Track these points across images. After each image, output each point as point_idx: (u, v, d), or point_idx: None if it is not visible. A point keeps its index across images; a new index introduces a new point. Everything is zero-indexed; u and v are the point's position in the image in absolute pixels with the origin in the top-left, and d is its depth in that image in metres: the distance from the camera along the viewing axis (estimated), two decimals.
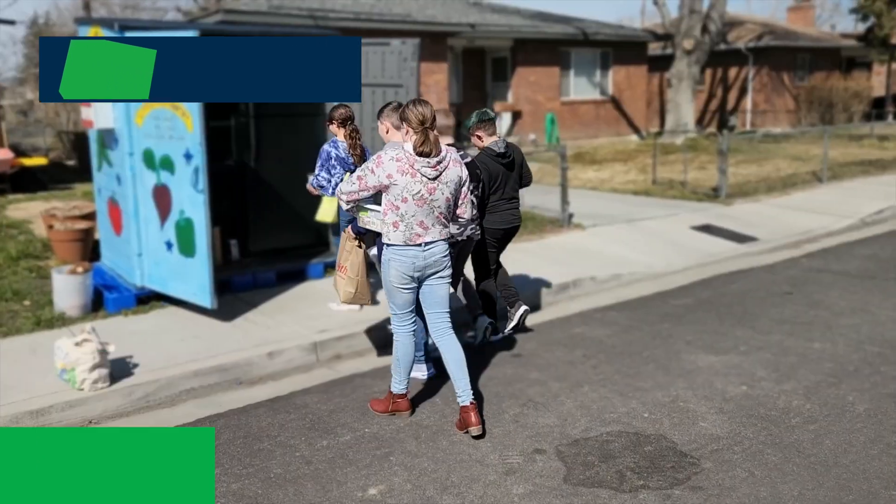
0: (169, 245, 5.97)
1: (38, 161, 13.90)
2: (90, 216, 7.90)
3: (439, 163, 3.91)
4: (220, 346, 5.44)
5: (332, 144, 5.66)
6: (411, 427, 4.28)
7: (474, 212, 4.28)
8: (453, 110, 19.38)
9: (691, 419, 4.26)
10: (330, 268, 7.07)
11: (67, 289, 5.98)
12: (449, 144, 4.33)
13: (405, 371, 4.34)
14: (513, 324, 5.47)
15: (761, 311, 6.34)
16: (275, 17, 15.12)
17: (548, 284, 7.10)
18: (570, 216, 9.71)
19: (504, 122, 20.75)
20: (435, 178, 3.91)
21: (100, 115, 6.10)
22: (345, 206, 4.20)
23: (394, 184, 3.88)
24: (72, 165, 17.25)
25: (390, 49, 6.66)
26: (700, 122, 25.15)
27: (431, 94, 17.56)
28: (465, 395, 4.14)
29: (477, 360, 5.34)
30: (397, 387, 4.37)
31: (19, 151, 18.49)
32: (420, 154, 3.86)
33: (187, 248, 5.81)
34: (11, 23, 31.94)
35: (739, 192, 11.91)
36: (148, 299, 6.32)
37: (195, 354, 5.28)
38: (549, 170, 15.04)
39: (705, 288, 7.19)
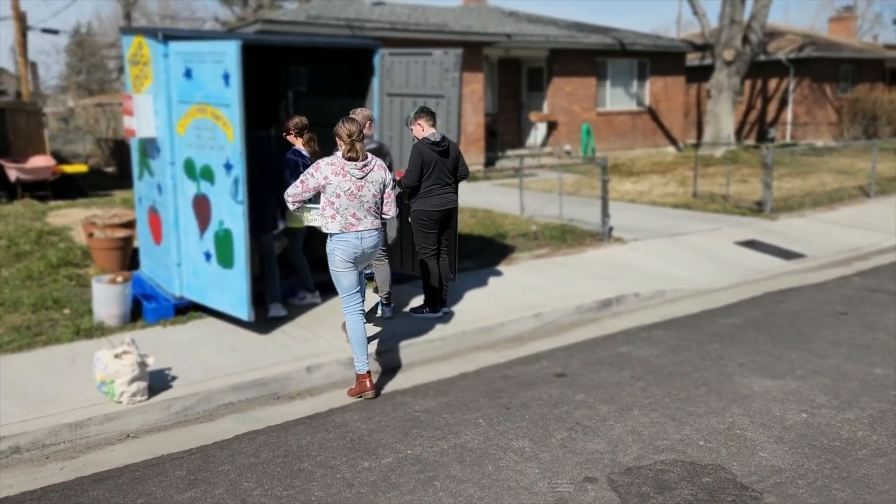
0: (207, 256, 5.91)
1: (78, 168, 14.08)
2: (130, 224, 7.91)
3: (365, 166, 4.87)
4: (258, 360, 5.35)
5: (294, 154, 6.06)
6: (455, 450, 4.13)
7: (396, 212, 5.18)
8: (488, 120, 19.26)
9: (750, 448, 4.05)
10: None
11: (107, 298, 5.96)
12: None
13: (360, 348, 4.96)
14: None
15: (815, 333, 6.08)
16: (313, 26, 15.16)
17: (589, 300, 6.92)
18: (611, 229, 9.50)
19: (539, 132, 20.58)
20: (362, 178, 4.85)
21: (142, 124, 6.08)
22: (291, 208, 4.99)
23: (329, 183, 4.81)
24: (111, 172, 17.48)
25: (432, 59, 6.55)
26: (739, 133, 24.70)
27: (467, 104, 17.47)
28: (363, 365, 4.94)
29: (519, 378, 5.18)
30: (357, 365, 4.96)
31: (60, 158, 18.82)
32: (348, 160, 4.82)
33: (226, 259, 5.75)
34: (55, 32, 32.55)
35: (784, 207, 11.58)
36: (186, 309, 6.28)
37: (233, 367, 5.20)
38: (585, 181, 14.84)
39: (754, 306, 6.94)
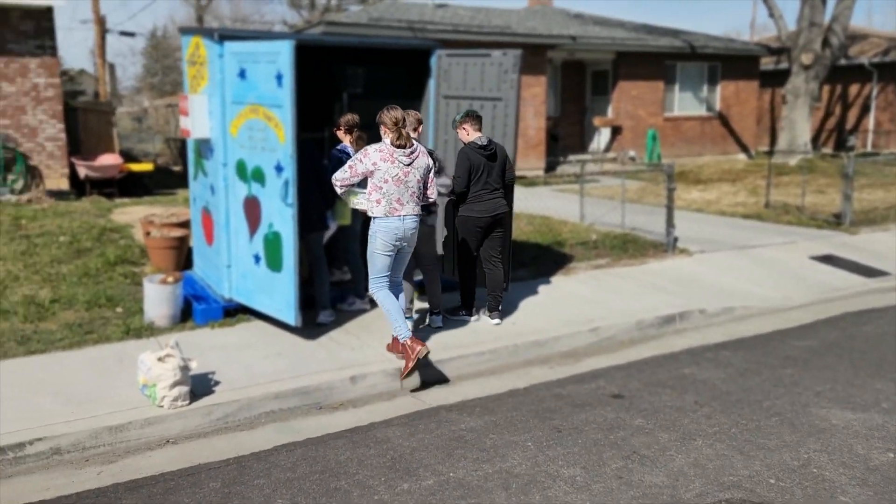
0: (257, 258, 5.83)
1: (144, 167, 14.40)
2: (186, 224, 7.93)
3: (412, 153, 5.10)
4: (303, 367, 5.22)
5: (339, 151, 6.08)
6: (500, 475, 3.88)
7: (441, 190, 5.57)
8: (550, 124, 18.90)
9: (829, 491, 3.67)
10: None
11: (157, 298, 5.93)
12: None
13: (399, 316, 5.17)
14: (494, 321, 6.19)
15: None
16: (375, 28, 15.13)
17: (651, 315, 6.55)
18: (675, 240, 9.07)
19: (603, 137, 20.08)
20: (409, 164, 5.06)
21: (197, 125, 6.05)
22: (339, 191, 5.20)
23: (378, 169, 5.03)
24: (177, 171, 17.87)
25: (490, 60, 6.32)
26: (815, 141, 23.57)
27: (528, 108, 17.16)
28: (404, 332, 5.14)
29: (572, 398, 4.89)
30: (400, 331, 5.11)
31: (131, 157, 19.38)
32: (397, 146, 5.02)
33: (274, 263, 5.64)
34: (132, 35, 33.67)
35: (865, 220, 10.88)
36: (235, 312, 6.21)
37: (277, 374, 5.08)
38: (650, 188, 14.34)
39: (832, 328, 6.44)
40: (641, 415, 4.61)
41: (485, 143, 5.86)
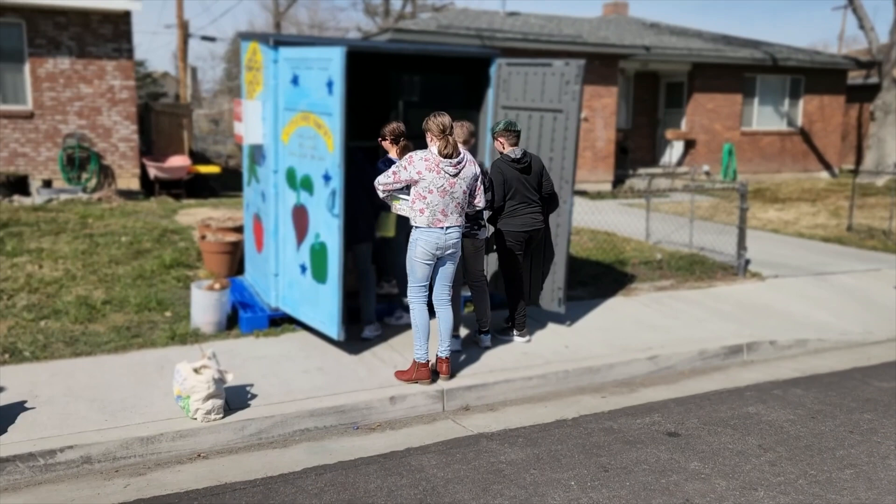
0: (303, 268, 5.70)
1: (211, 169, 14.65)
2: (241, 229, 7.93)
3: (459, 163, 4.87)
4: (342, 383, 5.04)
5: (385, 163, 5.79)
6: None
7: (488, 197, 5.38)
8: (620, 136, 18.37)
9: None
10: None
11: (203, 305, 5.89)
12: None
13: (424, 336, 5.02)
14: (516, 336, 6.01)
15: None
16: (443, 36, 15.01)
17: (715, 344, 6.12)
18: (747, 263, 8.55)
19: (675, 150, 19.41)
20: (455, 175, 4.86)
21: (250, 131, 5.98)
22: (381, 195, 5.03)
23: (422, 178, 4.82)
24: None
25: (552, 70, 6.03)
26: None
27: (598, 119, 16.71)
28: (444, 351, 5.12)
29: (624, 433, 4.55)
30: (418, 353, 5.03)
31: (205, 158, 19.83)
32: (444, 156, 4.80)
33: (320, 274, 5.51)
34: (212, 40, 34.57)
35: None
36: (281, 321, 6.11)
37: (315, 390, 4.92)
38: (723, 206, 13.71)
39: None
40: (698, 457, 4.24)
41: (518, 157, 5.69)
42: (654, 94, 20.09)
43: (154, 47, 54.68)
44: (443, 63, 6.88)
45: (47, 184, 12.49)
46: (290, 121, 5.67)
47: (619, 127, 18.55)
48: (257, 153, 6.28)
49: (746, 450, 4.35)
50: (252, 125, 5.98)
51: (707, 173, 18.67)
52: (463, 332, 6.04)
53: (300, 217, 5.69)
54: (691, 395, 5.30)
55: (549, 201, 6.02)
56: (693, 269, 8.52)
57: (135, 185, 13.36)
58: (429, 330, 5.10)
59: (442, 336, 5.15)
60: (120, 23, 12.88)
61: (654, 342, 6.13)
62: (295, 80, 5.55)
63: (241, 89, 6.60)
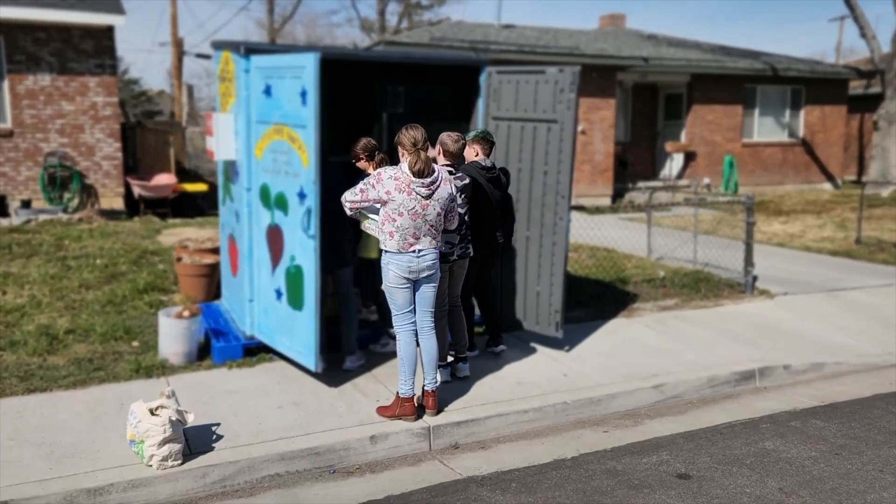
0: (278, 293, 5.27)
1: (198, 187, 14.25)
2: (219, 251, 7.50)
3: (432, 182, 4.39)
4: (318, 421, 4.59)
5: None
6: None
7: (458, 223, 4.76)
8: (619, 150, 18.00)
9: None
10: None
11: (172, 334, 5.44)
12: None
13: (410, 370, 4.58)
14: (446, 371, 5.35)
15: None
16: (436, 48, 14.67)
17: (725, 370, 5.67)
18: (754, 279, 8.11)
19: (675, 163, 19.03)
20: (428, 196, 4.39)
21: (221, 146, 5.57)
22: (348, 212, 4.62)
23: (391, 199, 4.37)
24: None
25: (545, 78, 5.63)
26: None
27: (596, 132, 16.34)
28: (431, 384, 4.67)
29: (629, 476, 4.09)
30: (403, 388, 4.59)
31: (198, 176, 19.42)
32: (415, 173, 4.33)
33: (295, 300, 5.07)
34: (207, 57, 34.60)
35: None
36: (257, 350, 5.67)
37: (288, 429, 4.47)
38: (726, 219, 13.28)
39: None
40: None
41: (488, 165, 5.38)
42: (653, 106, 19.75)
43: (149, 65, 54.59)
44: (431, 73, 6.48)
45: (26, 204, 12.08)
46: (262, 134, 5.26)
47: (618, 140, 18.17)
48: (230, 170, 5.87)
49: (766, 494, 3.89)
50: (224, 140, 5.57)
51: (708, 186, 18.27)
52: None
53: (275, 238, 5.26)
54: (701, 428, 4.85)
55: (509, 217, 5.81)
56: (698, 286, 8.09)
57: (119, 204, 12.96)
58: (416, 361, 4.66)
59: (427, 367, 4.70)
60: (102, 38, 12.53)
61: (660, 368, 5.68)
62: (267, 91, 5.14)
63: (216, 102, 6.20)
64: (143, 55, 58.48)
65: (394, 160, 4.91)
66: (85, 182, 12.67)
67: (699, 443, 4.59)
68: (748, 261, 8.03)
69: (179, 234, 10.94)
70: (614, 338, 6.42)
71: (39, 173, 12.28)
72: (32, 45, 12.11)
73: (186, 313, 5.51)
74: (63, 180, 12.45)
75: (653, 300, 7.61)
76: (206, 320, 6.08)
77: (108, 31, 12.56)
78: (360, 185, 4.48)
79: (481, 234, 5.41)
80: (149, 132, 14.23)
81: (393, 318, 4.66)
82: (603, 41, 18.60)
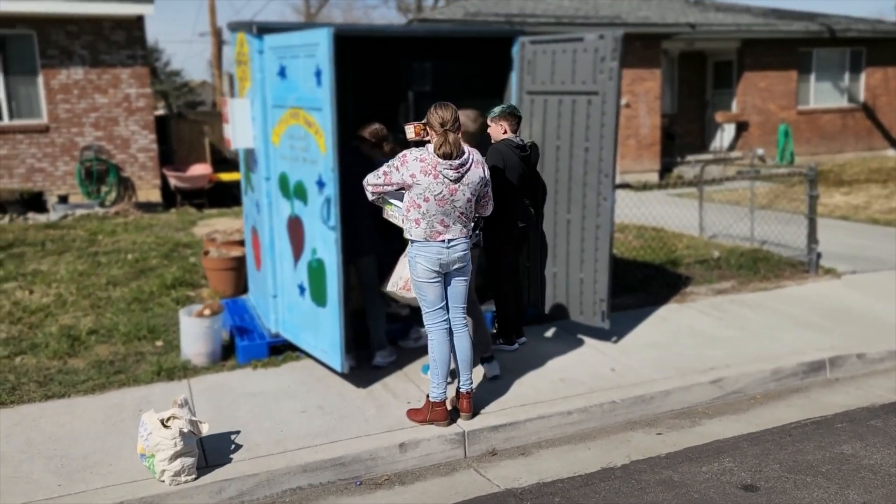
0: (301, 289, 4.94)
1: (234, 176, 14.07)
2: None
3: (462, 165, 4.01)
4: (345, 426, 4.26)
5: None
6: None
7: (492, 208, 4.38)
8: (666, 122, 17.21)
9: None
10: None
11: (193, 333, 5.18)
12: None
13: (442, 373, 4.23)
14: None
15: None
16: (470, 23, 14.14)
17: (791, 360, 5.15)
18: (818, 257, 7.49)
19: (726, 134, 18.16)
20: (457, 180, 4.00)
21: (238, 133, 5.25)
22: (370, 196, 4.24)
23: (416, 183, 3.99)
24: None
25: (583, 46, 5.14)
26: None
27: (641, 104, 15.63)
28: (465, 385, 4.29)
29: (686, 488, 3.65)
30: (434, 391, 4.24)
31: (235, 165, 19.36)
32: (441, 156, 3.95)
33: (318, 295, 4.74)
34: None
35: None
36: (283, 348, 5.37)
37: (312, 436, 4.15)
38: (782, 191, 12.52)
39: None
40: None
41: (521, 143, 5.04)
42: (701, 74, 18.85)
43: (190, 56, 55.17)
44: (460, 48, 6.03)
45: (63, 199, 12.07)
46: (279, 119, 4.92)
47: (665, 112, 17.39)
48: (250, 158, 5.55)
49: None
50: (240, 126, 5.24)
51: (762, 157, 17.38)
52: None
53: (296, 230, 4.93)
54: (767, 428, 4.37)
55: (541, 197, 5.46)
56: (757, 267, 7.50)
57: (156, 196, 12.87)
58: (449, 363, 4.28)
59: (461, 367, 4.32)
60: (133, 28, 12.38)
61: (717, 360, 5.19)
62: (282, 72, 4.79)
63: (235, 88, 5.89)
64: (183, 46, 59.05)
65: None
66: (121, 175, 12.61)
67: (766, 447, 4.11)
68: (811, 237, 7.41)
69: (214, 224, 10.76)
70: (666, 326, 5.93)
71: (76, 168, 12.26)
72: (65, 38, 12.03)
73: (207, 311, 5.23)
74: (100, 174, 12.40)
75: (707, 283, 7.08)
76: (231, 317, 5.81)
77: (138, 22, 12.40)
78: (384, 168, 4.12)
79: (512, 217, 5.04)
80: (183, 122, 14.11)
81: (423, 315, 4.27)
82: (646, 9, 17.77)
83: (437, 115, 4.00)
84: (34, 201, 11.80)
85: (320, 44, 4.29)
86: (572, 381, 4.88)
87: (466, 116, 4.63)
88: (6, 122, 11.96)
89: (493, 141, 5.10)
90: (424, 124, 4.17)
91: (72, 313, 6.20)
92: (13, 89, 11.99)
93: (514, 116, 5.04)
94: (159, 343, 5.60)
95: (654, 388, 4.75)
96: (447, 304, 4.26)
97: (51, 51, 11.99)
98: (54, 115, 12.15)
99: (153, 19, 47.92)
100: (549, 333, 5.77)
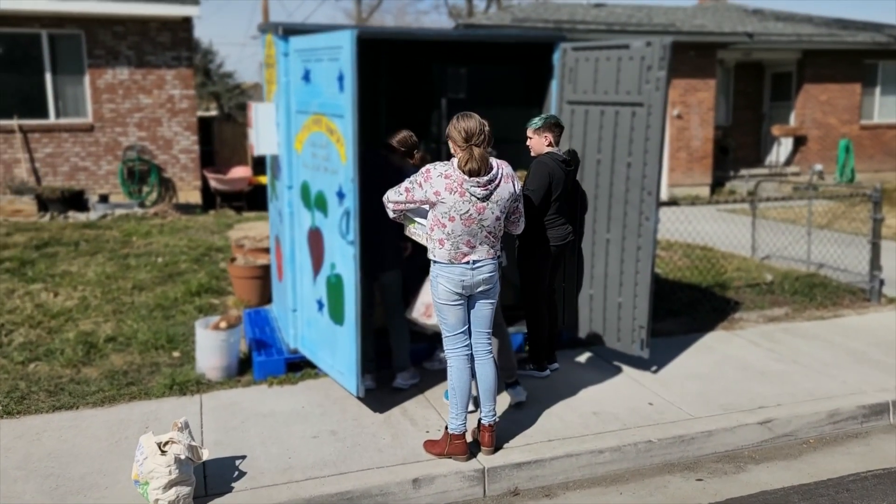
0: (320, 304, 4.69)
1: None
2: None
3: (490, 181, 3.68)
4: (357, 455, 3.98)
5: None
6: None
7: (524, 225, 4.08)
8: (719, 134, 16.57)
9: None
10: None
11: (208, 346, 4.97)
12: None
13: (462, 403, 3.92)
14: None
15: None
16: (517, 30, 13.81)
17: (850, 402, 4.68)
18: (881, 284, 6.94)
19: (783, 148, 17.41)
20: (485, 198, 3.69)
21: (261, 139, 5.03)
22: (391, 214, 3.96)
23: (441, 201, 3.68)
24: None
25: (629, 54, 4.78)
26: None
27: (693, 116, 15.05)
28: (488, 417, 3.97)
29: None
30: (453, 423, 3.92)
31: None
32: (467, 172, 3.63)
33: (336, 312, 4.47)
34: None
35: None
36: (301, 364, 5.12)
37: (320, 465, 3.88)
38: (841, 210, 11.85)
39: None
40: None
41: (567, 158, 4.77)
42: (757, 86, 18.13)
43: (242, 58, 55.98)
44: (498, 54, 5.72)
45: (104, 198, 12.13)
46: (302, 125, 4.68)
47: (718, 124, 16.75)
48: (275, 165, 5.34)
49: None
50: (265, 132, 5.03)
51: (821, 173, 16.59)
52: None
53: (316, 242, 4.68)
54: (822, 480, 3.93)
55: (583, 203, 5.16)
56: (813, 293, 6.99)
57: (196, 197, 12.86)
58: (469, 392, 3.97)
59: (484, 397, 4.00)
60: (179, 30, 12.40)
61: (767, 397, 4.75)
62: (306, 76, 4.55)
63: (262, 91, 5.69)
64: (237, 48, 60.08)
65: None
66: (163, 176, 12.64)
67: (819, 502, 3.68)
68: (874, 263, 6.87)
69: (250, 228, 10.63)
70: (711, 356, 5.50)
71: (119, 167, 12.32)
72: (111, 39, 12.11)
73: (224, 324, 5.02)
74: (141, 174, 12.45)
75: (758, 309, 6.61)
76: (251, 329, 5.60)
77: (185, 23, 12.42)
78: (406, 184, 3.80)
79: (553, 235, 4.75)
80: (226, 125, 14.11)
81: (444, 339, 3.98)
82: (702, 17, 17.17)
83: (459, 127, 3.67)
84: (76, 200, 11.89)
85: (343, 47, 4.03)
86: (605, 414, 4.50)
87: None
88: (53, 120, 12.09)
89: (533, 153, 4.79)
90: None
91: (93, 318, 6.08)
92: (60, 88, 12.11)
93: (558, 127, 4.75)
94: (177, 354, 5.42)
95: (696, 428, 4.35)
96: (469, 327, 3.95)
97: (97, 51, 12.08)
98: (99, 115, 12.24)
99: (207, 21, 48.81)
100: (583, 359, 5.40)
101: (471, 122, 3.66)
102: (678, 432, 4.29)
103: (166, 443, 3.52)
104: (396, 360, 4.85)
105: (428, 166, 3.75)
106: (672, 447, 4.23)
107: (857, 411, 4.65)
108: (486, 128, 3.70)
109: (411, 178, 3.80)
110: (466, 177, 3.63)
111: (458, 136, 3.66)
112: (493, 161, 3.75)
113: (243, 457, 3.95)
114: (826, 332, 6.07)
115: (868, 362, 5.39)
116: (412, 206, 3.82)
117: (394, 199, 3.85)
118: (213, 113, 26.08)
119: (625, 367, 5.23)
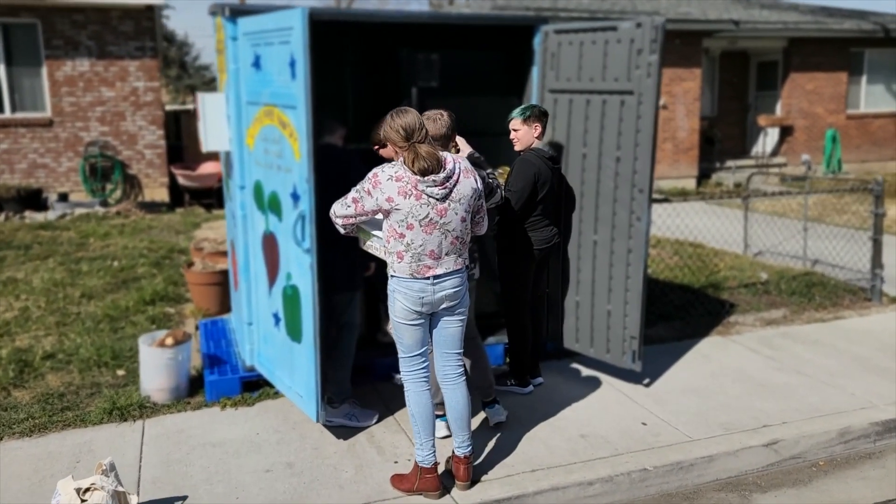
0: (277, 319, 4.20)
1: None
2: None
3: (448, 178, 3.23)
4: (313, 494, 3.50)
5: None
6: None
7: (488, 226, 3.61)
8: (704, 125, 16.19)
9: None
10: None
11: (153, 365, 4.46)
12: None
13: (426, 431, 3.46)
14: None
15: None
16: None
17: (861, 419, 4.26)
18: (882, 283, 6.55)
19: (769, 139, 17.07)
20: (445, 198, 3.23)
21: (210, 133, 4.52)
22: (341, 231, 3.47)
23: (396, 208, 3.22)
24: None
25: (616, 36, 4.32)
26: None
27: (678, 106, 14.65)
28: (462, 448, 3.52)
29: None
30: (420, 454, 3.47)
31: None
32: (418, 172, 3.19)
33: (293, 329, 3.99)
34: None
35: None
36: (259, 383, 4.63)
37: None
38: (831, 202, 11.51)
39: None
40: None
41: (554, 154, 4.42)
42: (743, 75, 17.76)
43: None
44: (475, 39, 5.23)
45: (63, 197, 11.51)
46: (254, 118, 4.17)
47: (704, 114, 16.38)
48: (228, 162, 4.83)
49: None
50: (214, 126, 4.51)
51: (808, 164, 16.27)
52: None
53: (271, 249, 4.19)
54: None
55: (570, 200, 4.71)
56: (811, 293, 6.59)
57: (163, 195, 12.27)
58: (432, 418, 3.50)
59: (455, 426, 3.54)
60: (142, 19, 11.78)
61: (771, 414, 4.33)
62: (257, 62, 4.04)
63: (217, 81, 5.16)
64: (212, 41, 59.00)
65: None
66: (127, 172, 12.03)
67: None
68: (876, 261, 6.48)
69: (218, 227, 10.11)
70: (707, 366, 5.07)
71: (80, 164, 11.70)
72: (70, 28, 11.47)
73: (170, 340, 4.51)
74: (104, 171, 11.84)
75: (754, 311, 6.20)
76: (206, 342, 5.10)
77: (148, 11, 11.80)
78: (353, 194, 3.32)
79: (537, 238, 4.35)
80: (194, 118, 13.49)
81: (400, 361, 3.51)
82: (687, 5, 16.76)
83: (396, 125, 3.21)
84: (33, 198, 11.26)
85: (294, 27, 3.53)
86: (595, 437, 4.06)
87: (431, 120, 3.68)
88: (8, 114, 11.44)
89: (520, 147, 4.33)
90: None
91: (33, 332, 5.54)
92: (16, 81, 11.46)
93: (546, 116, 4.36)
94: (121, 372, 4.90)
95: (695, 453, 3.91)
96: (430, 349, 3.50)
97: (55, 41, 11.43)
98: (58, 109, 11.60)
99: (182, 13, 47.73)
100: (569, 372, 4.95)
101: (408, 117, 3.22)
102: (676, 458, 3.85)
103: (87, 490, 3.03)
104: (334, 389, 4.21)
105: (375, 170, 3.26)
106: (669, 475, 3.79)
107: (869, 429, 4.24)
108: (438, 122, 3.46)
109: (357, 186, 3.31)
110: (420, 177, 3.17)
111: (396, 135, 3.21)
112: (445, 155, 3.27)
113: (184, 497, 3.46)
114: (828, 336, 5.67)
115: (875, 370, 4.98)
116: (364, 218, 3.35)
117: (341, 213, 3.36)
118: (189, 107, 25.37)
119: (614, 381, 4.79)
